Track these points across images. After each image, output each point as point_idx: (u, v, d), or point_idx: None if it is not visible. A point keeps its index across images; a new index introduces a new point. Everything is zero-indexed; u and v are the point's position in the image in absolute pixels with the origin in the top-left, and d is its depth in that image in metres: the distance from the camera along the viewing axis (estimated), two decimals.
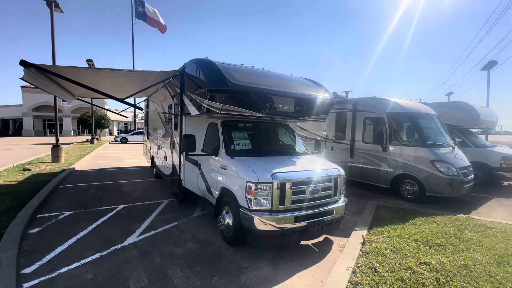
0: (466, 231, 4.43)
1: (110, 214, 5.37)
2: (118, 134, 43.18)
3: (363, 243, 4.02)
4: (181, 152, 5.35)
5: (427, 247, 3.80)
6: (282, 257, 3.70)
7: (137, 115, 37.84)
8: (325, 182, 3.96)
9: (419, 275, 3.07)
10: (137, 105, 9.34)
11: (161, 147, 7.66)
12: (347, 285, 2.91)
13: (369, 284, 2.94)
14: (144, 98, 10.91)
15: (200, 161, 5.22)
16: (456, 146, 7.26)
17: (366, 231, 4.53)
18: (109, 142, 27.68)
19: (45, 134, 42.71)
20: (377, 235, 4.35)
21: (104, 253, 3.70)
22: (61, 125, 41.01)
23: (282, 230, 3.49)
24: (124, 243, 4.02)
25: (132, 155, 16.16)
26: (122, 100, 4.76)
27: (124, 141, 27.96)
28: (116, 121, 50.45)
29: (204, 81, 4.03)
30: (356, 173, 8.10)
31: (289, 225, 3.52)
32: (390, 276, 3.08)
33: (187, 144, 4.26)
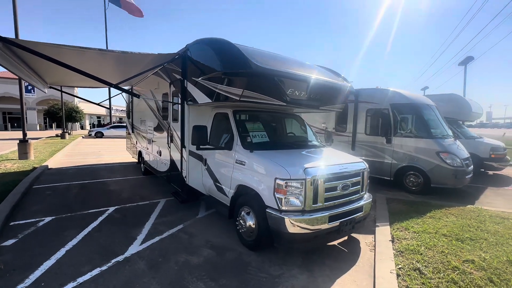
0: (487, 223, 4.36)
1: (101, 218, 4.66)
2: (91, 128, 40.33)
3: (392, 241, 3.77)
4: (182, 146, 4.75)
5: (460, 242, 3.64)
6: (313, 261, 3.32)
7: (112, 108, 35.42)
8: (354, 176, 3.63)
9: (468, 275, 2.85)
10: (121, 95, 8.45)
11: (153, 141, 6.92)
12: None
13: None
14: (128, 87, 9.95)
15: (205, 155, 4.66)
16: (455, 138, 7.33)
17: (388, 226, 4.30)
18: (82, 137, 25.61)
19: (5, 129, 38.63)
20: (401, 231, 4.13)
21: (104, 267, 3.08)
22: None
23: (316, 232, 3.11)
24: (127, 254, 3.41)
25: (112, 151, 14.93)
26: (116, 86, 4.04)
27: (100, 135, 26.02)
28: (88, 114, 47.03)
29: (220, 63, 3.46)
30: None
31: (324, 226, 3.14)
32: (439, 277, 2.83)
33: (198, 137, 3.70)
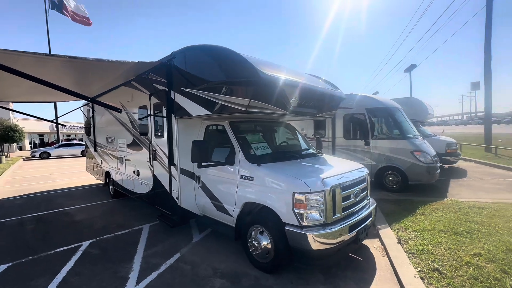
0: (471, 214, 4.74)
1: (75, 257, 3.89)
2: (33, 148, 35.31)
3: (399, 242, 3.83)
4: (171, 164, 4.27)
5: (459, 236, 3.85)
6: (335, 276, 3.16)
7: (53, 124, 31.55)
8: (362, 183, 3.62)
9: (483, 269, 2.97)
10: (80, 109, 7.50)
11: (126, 160, 6.17)
12: None
13: None
14: (85, 102, 8.86)
15: (198, 172, 4.25)
16: (422, 137, 8.02)
17: (389, 228, 4.39)
18: (24, 159, 22.19)
19: None
20: (402, 231, 4.24)
21: None
22: None
23: (339, 245, 2.97)
24: None
25: (66, 173, 13.12)
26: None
27: (46, 156, 22.85)
28: (28, 133, 41.14)
29: (222, 72, 3.18)
30: None
31: (346, 237, 3.02)
32: (459, 275, 2.90)
33: (199, 153, 3.32)
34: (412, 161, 6.86)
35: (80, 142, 28.60)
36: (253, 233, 3.36)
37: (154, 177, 4.95)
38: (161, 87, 4.48)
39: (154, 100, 4.78)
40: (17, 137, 22.95)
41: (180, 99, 4.03)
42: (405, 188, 6.96)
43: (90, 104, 8.45)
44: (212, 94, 3.37)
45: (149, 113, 4.95)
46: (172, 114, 4.24)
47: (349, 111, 7.89)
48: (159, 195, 4.88)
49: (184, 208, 4.31)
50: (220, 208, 3.88)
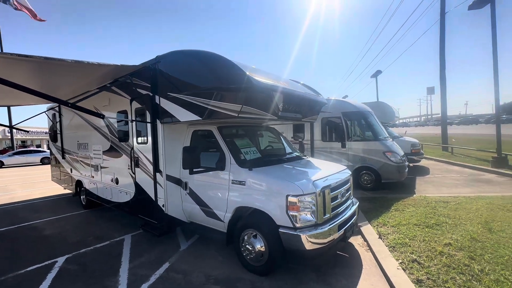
0: (438, 208, 5.25)
1: (51, 275, 3.59)
2: None
3: (380, 238, 4.11)
4: (157, 171, 4.15)
5: (430, 229, 4.24)
6: (326, 273, 3.31)
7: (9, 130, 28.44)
8: (347, 183, 3.85)
9: (454, 257, 3.32)
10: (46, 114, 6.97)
11: (102, 167, 5.83)
12: (416, 287, 2.82)
13: (428, 278, 2.95)
14: (50, 106, 8.20)
15: (185, 178, 4.18)
16: (392, 138, 8.67)
17: (369, 225, 4.69)
18: None
19: None
20: (381, 227, 4.55)
21: None
22: None
23: (330, 243, 3.12)
24: None
25: (26, 183, 11.95)
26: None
27: None
28: None
29: (214, 78, 3.19)
30: None
31: (336, 236, 3.19)
32: (435, 264, 3.21)
33: (191, 159, 3.28)
34: (384, 161, 7.38)
35: (39, 149, 26.18)
36: (246, 237, 3.39)
37: (136, 184, 4.75)
38: (144, 92, 4.33)
39: (136, 105, 4.61)
40: None
41: (165, 104, 3.94)
42: (378, 186, 7.46)
43: (57, 108, 7.85)
44: (202, 100, 3.36)
45: (130, 118, 4.75)
46: (157, 120, 4.13)
47: (326, 114, 8.25)
48: (142, 203, 4.68)
49: (171, 216, 4.20)
50: (210, 214, 3.85)
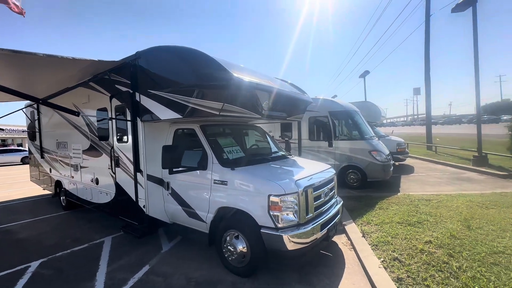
0: (421, 206, 5.34)
1: (23, 281, 3.42)
2: None
3: (364, 236, 4.14)
4: (137, 171, 4.01)
5: (412, 227, 4.30)
6: (308, 273, 3.29)
7: None
8: (331, 182, 3.84)
9: (434, 255, 3.36)
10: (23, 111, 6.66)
11: (82, 167, 5.61)
12: (396, 285, 2.84)
13: (408, 276, 2.98)
14: (28, 103, 7.84)
15: (167, 178, 4.06)
16: (378, 138, 8.79)
17: (354, 223, 4.72)
18: None
19: None
20: (365, 225, 4.58)
21: None
22: None
23: (312, 243, 3.09)
24: None
25: (2, 184, 11.44)
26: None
27: None
28: None
29: (194, 75, 3.09)
30: None
31: (318, 235, 3.17)
32: (415, 262, 3.24)
33: (171, 159, 3.18)
34: (370, 160, 7.47)
35: (20, 148, 25.17)
36: (228, 238, 3.32)
37: (117, 185, 4.59)
38: (124, 89, 4.18)
39: (116, 102, 4.44)
40: None
41: (146, 102, 3.81)
42: (364, 185, 7.55)
43: (36, 106, 7.51)
44: (183, 97, 3.26)
45: (110, 116, 4.58)
46: (138, 118, 4.00)
47: (314, 114, 8.27)
48: (122, 204, 4.53)
49: (152, 217, 4.08)
50: (192, 214, 3.76)
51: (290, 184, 3.05)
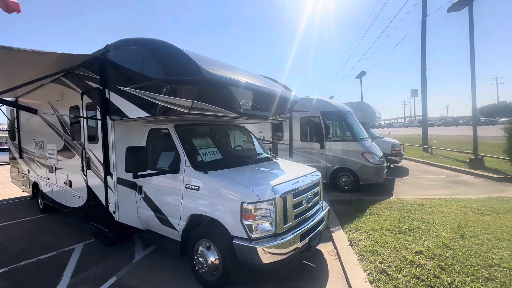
0: (413, 212, 5.07)
1: None
2: None
3: (351, 245, 3.86)
4: (107, 174, 3.72)
5: (403, 235, 4.03)
6: (287, 287, 3.01)
7: None
8: (314, 187, 3.55)
9: (424, 267, 3.10)
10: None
11: (57, 168, 5.29)
12: None
13: None
14: (9, 99, 7.50)
15: (140, 182, 3.76)
16: (371, 139, 8.53)
17: (342, 230, 4.44)
18: None
19: None
20: (354, 232, 4.31)
21: None
22: None
23: (290, 255, 2.81)
24: None
25: None
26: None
27: None
28: None
29: (161, 69, 2.80)
30: None
31: (297, 246, 2.88)
32: (403, 275, 2.97)
33: (135, 162, 2.88)
34: (363, 162, 7.21)
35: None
36: (199, 248, 3.04)
37: (88, 188, 4.29)
38: (94, 85, 3.88)
39: (86, 99, 4.14)
40: None
41: (115, 99, 3.52)
42: (357, 188, 7.29)
43: (15, 103, 7.18)
44: (151, 94, 2.97)
45: (81, 114, 4.28)
46: (107, 116, 3.70)
47: (305, 114, 8.01)
48: (93, 209, 4.23)
49: (122, 224, 3.78)
50: (164, 221, 3.47)
51: (265, 190, 2.76)
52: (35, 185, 6.52)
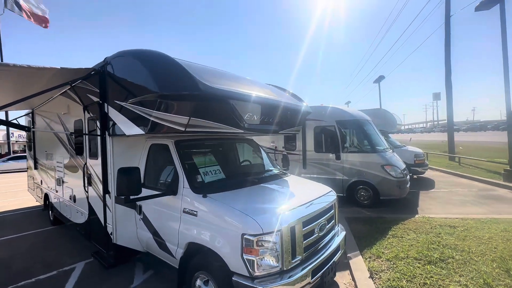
0: (443, 236, 4.47)
1: None
2: None
3: (371, 277, 3.38)
4: (106, 192, 3.51)
5: (433, 266, 3.48)
6: None
7: (12, 133, 28.30)
8: (329, 211, 3.13)
9: None
10: (16, 121, 6.37)
11: (63, 182, 5.22)
12: None
13: None
14: (26, 111, 7.70)
15: (140, 202, 3.51)
16: (392, 150, 7.89)
17: (360, 256, 3.96)
18: None
19: None
20: (375, 259, 3.81)
21: None
22: None
23: None
24: None
25: (7, 192, 11.47)
26: None
27: None
28: None
29: (155, 83, 2.54)
30: None
31: (308, 284, 2.48)
32: None
33: (127, 185, 2.61)
34: (383, 176, 6.62)
35: None
36: (198, 281, 2.71)
37: (89, 205, 4.12)
38: (95, 99, 3.73)
39: (88, 114, 4.01)
40: None
41: (114, 114, 3.32)
42: (377, 203, 6.70)
43: (31, 115, 7.35)
44: (146, 110, 2.72)
45: (84, 128, 4.15)
46: (106, 132, 3.51)
47: (319, 123, 7.57)
48: (94, 228, 4.05)
49: (120, 246, 3.54)
50: (163, 246, 3.19)
51: (270, 220, 2.40)
52: (46, 196, 6.54)
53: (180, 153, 3.17)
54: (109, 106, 3.43)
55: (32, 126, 7.34)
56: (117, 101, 3.20)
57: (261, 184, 3.40)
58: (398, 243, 4.30)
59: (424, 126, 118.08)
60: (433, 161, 14.47)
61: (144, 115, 2.74)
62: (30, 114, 7.27)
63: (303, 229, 2.60)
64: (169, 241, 3.07)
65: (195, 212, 2.74)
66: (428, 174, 11.37)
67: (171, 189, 3.01)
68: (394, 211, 6.25)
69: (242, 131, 3.10)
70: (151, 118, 2.67)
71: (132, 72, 2.91)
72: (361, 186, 6.93)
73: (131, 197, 2.69)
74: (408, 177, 7.18)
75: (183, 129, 2.56)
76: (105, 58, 3.45)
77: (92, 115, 3.90)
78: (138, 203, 3.54)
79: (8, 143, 24.69)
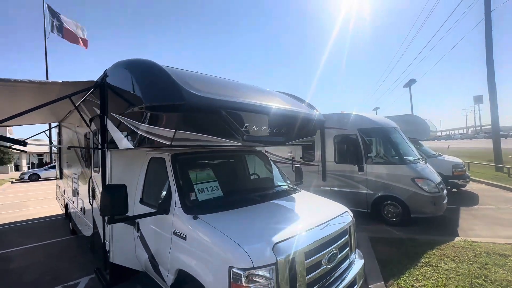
0: (490, 267, 3.69)
1: None
2: (29, 168, 34.85)
3: None
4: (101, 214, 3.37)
5: None
6: None
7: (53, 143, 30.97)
8: (342, 237, 2.67)
9: None
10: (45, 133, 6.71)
11: (78, 193, 5.30)
12: None
13: None
14: (56, 123, 8.21)
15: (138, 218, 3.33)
16: (425, 160, 7.03)
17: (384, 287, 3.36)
18: (12, 182, 21.46)
19: None
20: None
21: None
22: None
23: None
24: None
25: (43, 199, 12.28)
26: None
27: (35, 178, 22.14)
28: (28, 153, 40.74)
29: (142, 93, 2.36)
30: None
31: None
32: None
33: (110, 203, 2.40)
34: (414, 190, 5.85)
35: None
36: None
37: (93, 219, 4.05)
38: (98, 111, 3.69)
39: (93, 126, 3.99)
40: (7, 159, 22.40)
41: (110, 127, 3.22)
42: (407, 221, 5.92)
43: (58, 127, 7.81)
44: (134, 122, 2.55)
45: (90, 143, 4.15)
46: (106, 145, 3.42)
47: (340, 131, 7.01)
48: (96, 243, 3.96)
49: (116, 264, 3.36)
50: (156, 269, 2.94)
51: (264, 251, 2.02)
52: (67, 206, 6.76)
53: (175, 168, 2.93)
54: (107, 119, 3.35)
55: (59, 138, 7.77)
56: (113, 114, 3.09)
57: (264, 203, 3.03)
58: (432, 274, 3.62)
59: (464, 132, 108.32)
60: (476, 172, 12.86)
61: (133, 128, 2.56)
62: (59, 127, 7.73)
63: (306, 262, 2.18)
64: (161, 264, 2.82)
65: (184, 236, 2.45)
66: (470, 187, 10.04)
67: (163, 207, 2.77)
68: (428, 232, 5.45)
69: (240, 143, 2.79)
70: (139, 132, 2.48)
71: (124, 83, 2.78)
72: (388, 202, 6.20)
73: (116, 217, 2.48)
74: (444, 192, 6.29)
75: (168, 143, 2.31)
76: (105, 70, 3.39)
77: (96, 127, 3.87)
78: (136, 219, 3.36)
79: (50, 152, 26.96)
